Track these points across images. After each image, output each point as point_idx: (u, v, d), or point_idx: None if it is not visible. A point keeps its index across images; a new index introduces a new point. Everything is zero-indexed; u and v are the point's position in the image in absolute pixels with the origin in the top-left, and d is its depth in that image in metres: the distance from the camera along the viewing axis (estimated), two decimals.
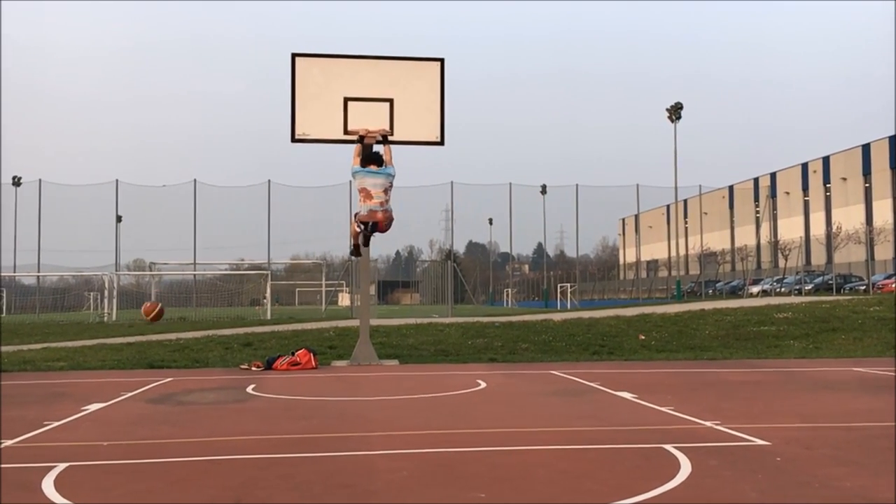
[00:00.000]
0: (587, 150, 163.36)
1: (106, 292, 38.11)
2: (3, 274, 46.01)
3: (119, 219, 48.03)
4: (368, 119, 12.67)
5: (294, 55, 12.98)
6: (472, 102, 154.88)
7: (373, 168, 11.23)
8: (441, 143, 13.16)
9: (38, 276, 46.34)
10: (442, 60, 13.22)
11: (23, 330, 24.86)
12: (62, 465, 5.47)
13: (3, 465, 5.55)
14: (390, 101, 12.79)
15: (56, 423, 7.43)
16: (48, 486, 4.92)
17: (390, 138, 12.90)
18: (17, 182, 49.73)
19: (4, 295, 47.84)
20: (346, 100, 12.74)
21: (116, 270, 44.50)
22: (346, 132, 12.72)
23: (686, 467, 5.27)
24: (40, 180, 46.36)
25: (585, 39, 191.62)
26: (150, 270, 48.76)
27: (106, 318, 34.89)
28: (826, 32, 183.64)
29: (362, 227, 11.17)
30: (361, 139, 11.90)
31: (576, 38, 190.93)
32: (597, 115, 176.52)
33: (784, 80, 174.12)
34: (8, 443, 6.46)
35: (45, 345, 18.00)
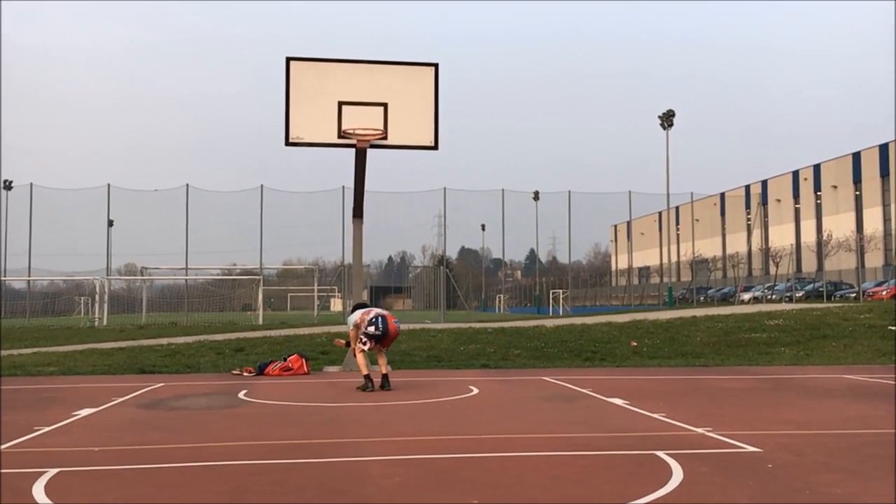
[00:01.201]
0: (579, 156, 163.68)
1: (97, 297, 37.94)
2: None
3: (111, 223, 47.88)
4: (362, 123, 12.70)
5: (288, 59, 12.99)
6: (465, 107, 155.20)
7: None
8: (435, 147, 13.19)
9: (28, 281, 46.12)
10: (436, 66, 13.26)
11: (13, 334, 24.73)
12: (53, 471, 5.44)
13: None
14: (384, 105, 12.82)
15: (47, 429, 7.39)
16: (39, 491, 4.89)
17: (384, 142, 12.94)
18: (7, 186, 49.54)
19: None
20: (341, 104, 12.76)
21: (108, 275, 44.32)
22: (340, 136, 12.74)
23: (678, 474, 5.28)
24: (31, 184, 46.15)
25: (577, 42, 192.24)
26: (142, 275, 48.64)
27: (97, 323, 34.74)
28: (819, 40, 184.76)
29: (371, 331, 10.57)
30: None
31: (568, 41, 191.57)
32: (589, 120, 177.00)
33: (776, 87, 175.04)
34: None
35: (36, 349, 17.92)
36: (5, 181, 49.61)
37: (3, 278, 46.43)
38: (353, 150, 13.04)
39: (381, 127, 12.79)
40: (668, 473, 5.29)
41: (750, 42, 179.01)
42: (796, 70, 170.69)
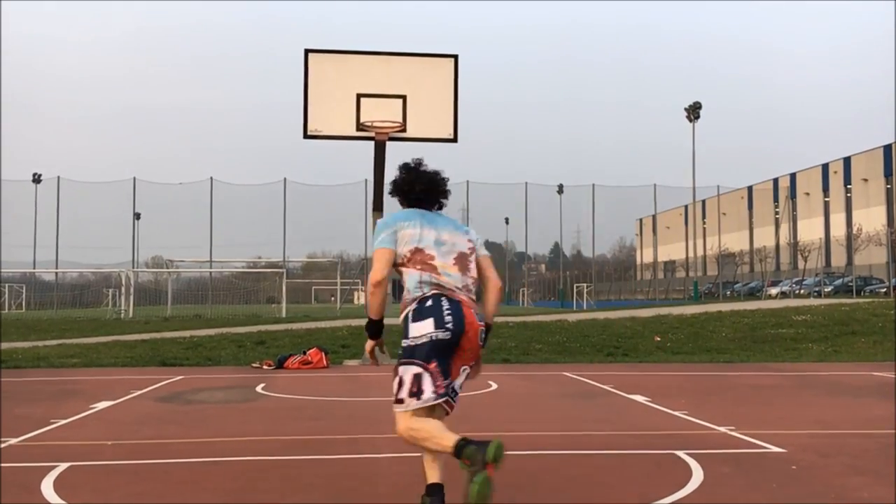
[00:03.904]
0: (604, 149, 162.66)
1: (123, 289, 38.34)
2: (23, 270, 46.42)
3: (137, 216, 48.35)
4: (381, 115, 12.60)
5: (307, 51, 12.93)
6: (487, 99, 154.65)
7: None
8: (454, 140, 13.06)
9: (56, 273, 46.71)
10: (456, 57, 13.12)
11: (40, 326, 25.02)
12: (64, 465, 5.41)
13: (6, 465, 5.50)
14: (403, 97, 12.71)
15: (63, 422, 7.39)
16: (47, 486, 4.86)
17: (403, 135, 12.82)
18: (36, 179, 50.18)
19: (23, 292, 48.30)
20: (359, 96, 12.67)
21: (134, 267, 44.75)
22: (358, 128, 12.66)
23: (698, 475, 5.12)
24: (59, 177, 46.76)
25: (601, 34, 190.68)
26: (168, 267, 49.10)
27: (122, 315, 35.08)
28: (850, 31, 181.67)
29: None
30: None
31: (592, 33, 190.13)
32: (615, 112, 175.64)
33: (804, 80, 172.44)
34: (13, 441, 6.42)
35: (61, 341, 18.09)
36: (35, 174, 50.25)
37: (32, 270, 47.04)
38: (373, 142, 12.95)
39: (400, 119, 12.68)
40: (688, 474, 5.14)
41: (778, 35, 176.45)
42: (824, 62, 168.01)
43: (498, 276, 4.30)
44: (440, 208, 4.34)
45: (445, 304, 3.89)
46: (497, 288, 4.25)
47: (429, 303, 3.89)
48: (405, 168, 4.33)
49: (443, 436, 3.79)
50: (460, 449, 3.66)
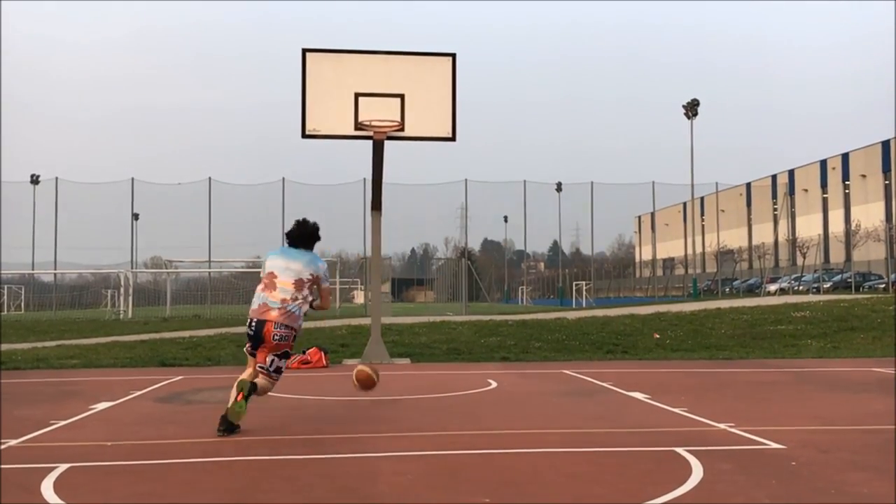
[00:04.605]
0: (602, 146, 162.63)
1: (122, 289, 38.31)
2: (22, 272, 46.39)
3: (136, 216, 48.28)
4: (379, 114, 12.59)
5: (304, 50, 12.91)
6: (487, 99, 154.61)
7: None
8: (452, 139, 13.05)
9: (55, 274, 46.64)
10: (453, 56, 13.11)
11: (39, 327, 25.02)
12: (64, 466, 5.40)
13: (5, 466, 5.50)
14: (401, 96, 12.70)
15: (62, 423, 7.38)
16: (47, 487, 4.85)
17: (402, 134, 12.81)
18: (35, 180, 50.11)
19: (22, 293, 48.29)
20: (357, 95, 12.66)
21: (133, 268, 44.69)
22: (356, 128, 12.65)
23: (698, 472, 5.13)
24: (57, 178, 46.65)
25: (598, 31, 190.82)
26: (167, 268, 49.05)
27: (121, 316, 35.07)
28: (848, 26, 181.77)
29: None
30: None
31: (589, 30, 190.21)
32: (613, 110, 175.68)
33: (802, 76, 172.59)
34: (12, 442, 6.41)
35: (60, 342, 18.07)
36: (32, 175, 50.19)
37: (30, 271, 47.02)
38: (371, 141, 12.94)
39: (398, 118, 12.68)
40: (688, 471, 5.14)
41: (774, 31, 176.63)
42: (822, 58, 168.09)
43: (330, 303, 7.36)
44: (309, 247, 7.12)
45: (253, 322, 6.83)
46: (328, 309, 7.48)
47: (249, 317, 6.91)
48: (295, 222, 7.14)
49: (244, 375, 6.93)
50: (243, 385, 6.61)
